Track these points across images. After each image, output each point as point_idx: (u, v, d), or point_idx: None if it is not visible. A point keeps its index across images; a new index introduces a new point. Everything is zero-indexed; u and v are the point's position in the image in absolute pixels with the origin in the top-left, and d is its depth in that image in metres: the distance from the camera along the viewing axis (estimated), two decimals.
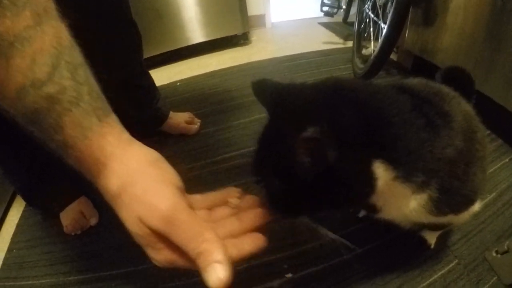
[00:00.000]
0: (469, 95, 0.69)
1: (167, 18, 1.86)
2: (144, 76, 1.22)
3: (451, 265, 0.81)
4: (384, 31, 1.36)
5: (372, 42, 1.62)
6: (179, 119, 1.32)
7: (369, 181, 0.44)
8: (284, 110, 0.45)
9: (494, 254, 0.80)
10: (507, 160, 1.13)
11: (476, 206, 0.65)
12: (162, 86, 1.69)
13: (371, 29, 1.63)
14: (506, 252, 0.76)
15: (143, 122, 1.25)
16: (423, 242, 0.84)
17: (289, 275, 0.79)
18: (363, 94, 0.46)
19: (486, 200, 0.97)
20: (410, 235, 0.86)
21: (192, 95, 1.66)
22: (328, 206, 0.48)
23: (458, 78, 0.75)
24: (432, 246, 0.84)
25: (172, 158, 0.42)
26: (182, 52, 2.03)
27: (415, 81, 0.64)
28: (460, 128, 0.54)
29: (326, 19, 2.70)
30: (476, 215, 0.92)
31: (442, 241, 0.86)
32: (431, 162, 0.48)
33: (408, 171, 0.47)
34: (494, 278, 0.78)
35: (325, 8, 2.42)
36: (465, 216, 0.65)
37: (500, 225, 0.90)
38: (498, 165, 1.11)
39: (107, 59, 0.99)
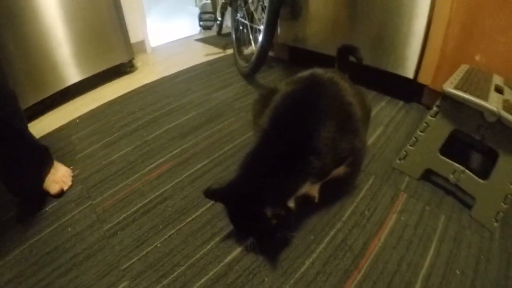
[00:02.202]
0: (359, 59, 1.06)
1: (52, 56, 1.77)
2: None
3: (371, 181, 1.02)
4: (262, 31, 1.57)
5: (252, 43, 1.82)
6: (51, 175, 1.13)
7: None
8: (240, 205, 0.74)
9: (398, 161, 1.03)
10: (383, 103, 1.45)
11: None
12: (61, 126, 1.61)
13: (249, 32, 1.84)
14: (406, 155, 0.99)
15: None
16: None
17: None
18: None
19: (378, 131, 1.25)
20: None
21: (97, 126, 1.62)
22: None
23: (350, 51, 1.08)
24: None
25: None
26: (71, 91, 1.94)
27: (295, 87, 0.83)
28: (330, 123, 0.75)
29: (202, 35, 2.89)
30: (375, 143, 1.18)
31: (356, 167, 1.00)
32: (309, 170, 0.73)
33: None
34: (407, 178, 1.02)
35: (202, 23, 2.61)
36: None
37: (394, 145, 1.18)
38: (379, 107, 1.42)
39: None
